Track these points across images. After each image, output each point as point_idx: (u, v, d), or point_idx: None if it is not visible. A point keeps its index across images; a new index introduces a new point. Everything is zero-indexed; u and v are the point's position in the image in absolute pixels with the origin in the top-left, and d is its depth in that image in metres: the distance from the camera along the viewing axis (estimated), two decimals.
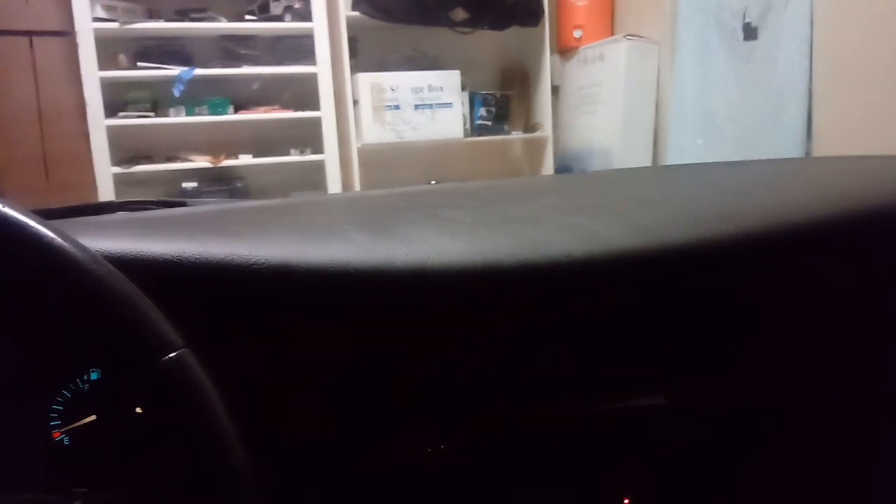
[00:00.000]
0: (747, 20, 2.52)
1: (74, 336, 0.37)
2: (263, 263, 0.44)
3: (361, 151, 3.02)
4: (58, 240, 0.32)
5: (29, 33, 2.80)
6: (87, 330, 0.33)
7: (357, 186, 3.01)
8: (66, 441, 0.40)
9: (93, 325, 0.33)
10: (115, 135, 2.81)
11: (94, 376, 0.41)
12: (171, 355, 0.32)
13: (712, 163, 1.06)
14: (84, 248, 0.33)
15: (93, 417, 0.40)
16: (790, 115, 2.34)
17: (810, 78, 2.27)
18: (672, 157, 2.86)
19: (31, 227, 0.32)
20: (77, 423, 0.40)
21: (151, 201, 0.83)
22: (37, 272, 0.32)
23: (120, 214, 0.67)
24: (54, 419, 0.41)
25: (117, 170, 2.81)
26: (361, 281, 0.46)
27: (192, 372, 0.32)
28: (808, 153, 2.30)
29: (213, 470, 0.31)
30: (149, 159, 2.92)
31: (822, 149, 2.26)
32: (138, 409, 0.35)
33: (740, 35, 2.55)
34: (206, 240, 0.45)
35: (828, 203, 0.63)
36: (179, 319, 0.36)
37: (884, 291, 0.65)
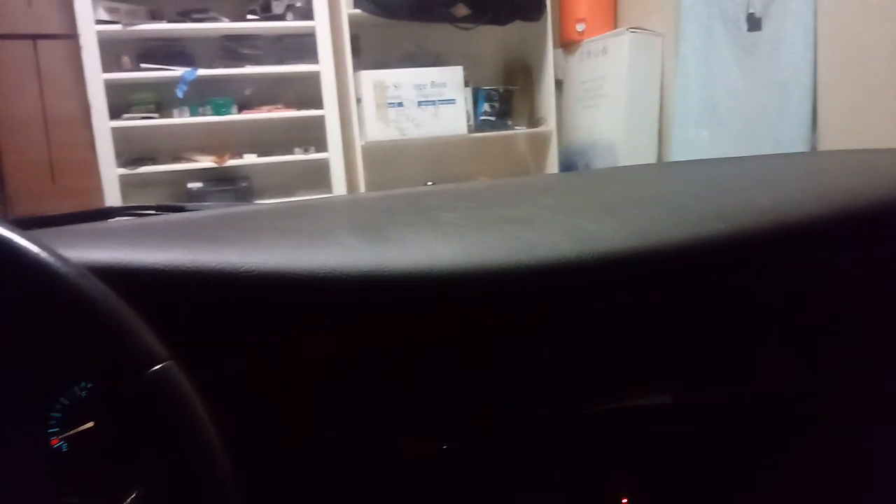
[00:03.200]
0: (751, 11, 2.50)
1: (64, 348, 0.37)
2: (254, 271, 0.44)
3: (365, 149, 3.02)
4: (42, 254, 0.33)
5: (32, 37, 2.82)
6: (74, 343, 0.33)
7: (361, 184, 3.01)
8: (63, 448, 0.41)
9: (78, 338, 0.33)
10: (119, 137, 2.82)
11: (89, 385, 0.41)
12: (155, 368, 0.33)
13: (712, 159, 1.05)
14: (68, 262, 0.33)
15: (90, 424, 0.41)
16: (795, 107, 2.32)
17: (815, 69, 2.26)
18: (677, 150, 2.85)
19: (16, 242, 0.33)
20: (73, 431, 0.41)
21: (150, 206, 0.84)
22: (22, 287, 0.32)
23: (116, 221, 0.68)
24: (51, 426, 0.41)
25: (123, 171, 2.82)
26: (352, 286, 0.46)
27: (176, 385, 0.32)
28: (812, 145, 2.28)
29: (197, 483, 0.31)
30: (154, 161, 2.93)
31: (826, 140, 2.24)
32: (125, 421, 0.35)
33: (744, 26, 2.53)
34: (198, 248, 0.46)
35: (826, 199, 0.63)
36: (171, 328, 0.36)
37: (886, 288, 0.64)
